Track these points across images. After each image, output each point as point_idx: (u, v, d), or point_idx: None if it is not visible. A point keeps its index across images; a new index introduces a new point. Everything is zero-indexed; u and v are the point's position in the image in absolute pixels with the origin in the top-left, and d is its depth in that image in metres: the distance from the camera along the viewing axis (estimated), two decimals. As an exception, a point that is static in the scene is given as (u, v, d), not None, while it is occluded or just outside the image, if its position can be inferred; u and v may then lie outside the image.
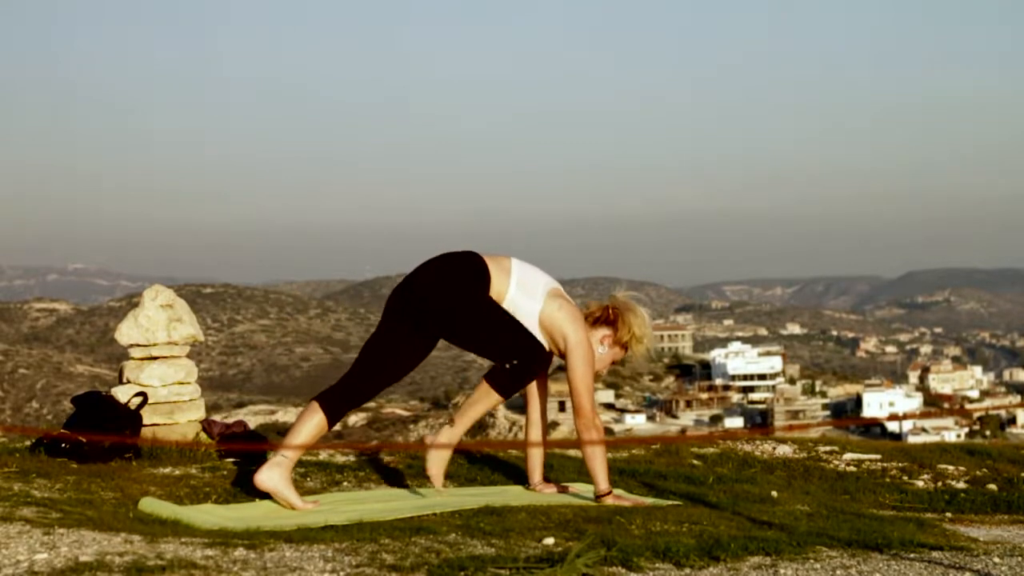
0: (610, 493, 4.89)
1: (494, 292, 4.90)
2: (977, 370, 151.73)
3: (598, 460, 4.88)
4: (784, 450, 6.77)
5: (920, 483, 6.21)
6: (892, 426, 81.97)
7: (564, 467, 5.83)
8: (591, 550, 3.56)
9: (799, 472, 6.31)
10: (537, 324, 4.91)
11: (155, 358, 6.56)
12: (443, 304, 4.84)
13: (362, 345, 5.02)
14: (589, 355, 4.90)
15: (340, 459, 5.79)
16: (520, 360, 4.81)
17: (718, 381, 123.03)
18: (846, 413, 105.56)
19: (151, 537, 3.68)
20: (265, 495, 4.89)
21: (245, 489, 5.14)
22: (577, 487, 5.23)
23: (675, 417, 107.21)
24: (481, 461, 5.93)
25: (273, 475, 4.74)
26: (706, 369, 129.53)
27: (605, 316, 5.09)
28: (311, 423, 4.85)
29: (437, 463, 4.98)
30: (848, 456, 6.70)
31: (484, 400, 4.87)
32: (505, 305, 4.89)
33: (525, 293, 4.92)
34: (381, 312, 4.99)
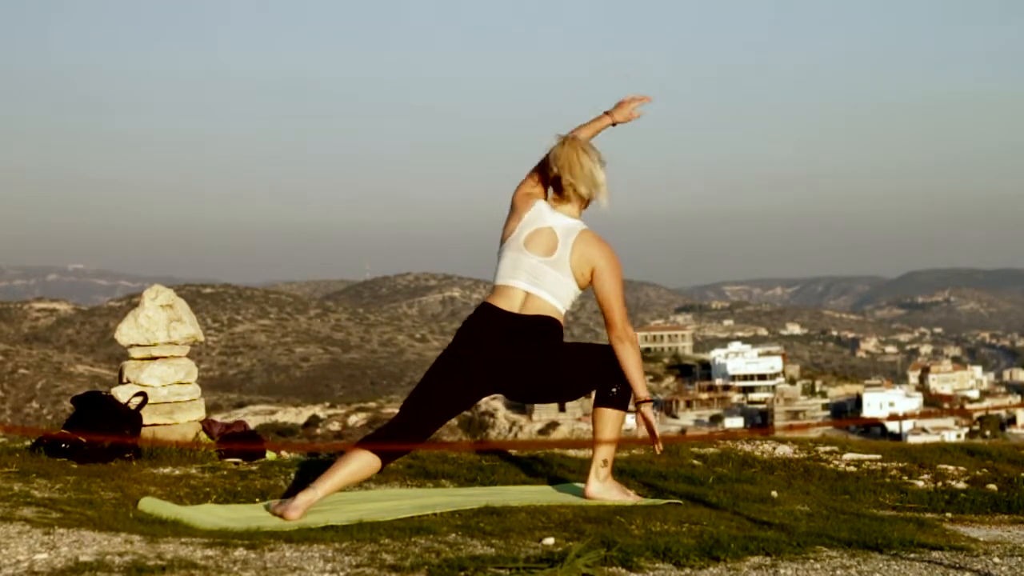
0: (650, 402, 4.95)
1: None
2: (977, 370, 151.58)
3: (633, 368, 4.93)
4: (784, 450, 6.76)
5: (920, 483, 6.21)
6: (892, 426, 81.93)
7: (564, 467, 5.83)
8: (591, 550, 3.56)
9: (799, 472, 6.30)
10: (574, 290, 4.96)
11: (155, 358, 6.56)
12: (547, 378, 4.92)
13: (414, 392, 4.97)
14: (618, 269, 4.96)
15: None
16: (617, 380, 4.95)
17: (718, 381, 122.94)
18: (846, 413, 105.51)
19: (151, 537, 3.69)
20: (265, 496, 4.90)
21: (245, 489, 5.14)
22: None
23: (675, 417, 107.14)
24: (481, 461, 5.93)
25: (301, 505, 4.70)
26: (706, 369, 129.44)
27: (567, 192, 5.00)
28: (356, 466, 4.80)
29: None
30: (848, 456, 6.70)
31: (611, 422, 4.98)
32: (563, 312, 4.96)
33: (555, 290, 4.93)
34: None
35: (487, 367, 4.85)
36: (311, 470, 5.43)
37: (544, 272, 4.90)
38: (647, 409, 4.93)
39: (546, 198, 5.02)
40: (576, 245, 4.92)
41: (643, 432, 5.01)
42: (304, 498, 4.64)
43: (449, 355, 4.92)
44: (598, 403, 5.04)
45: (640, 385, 4.93)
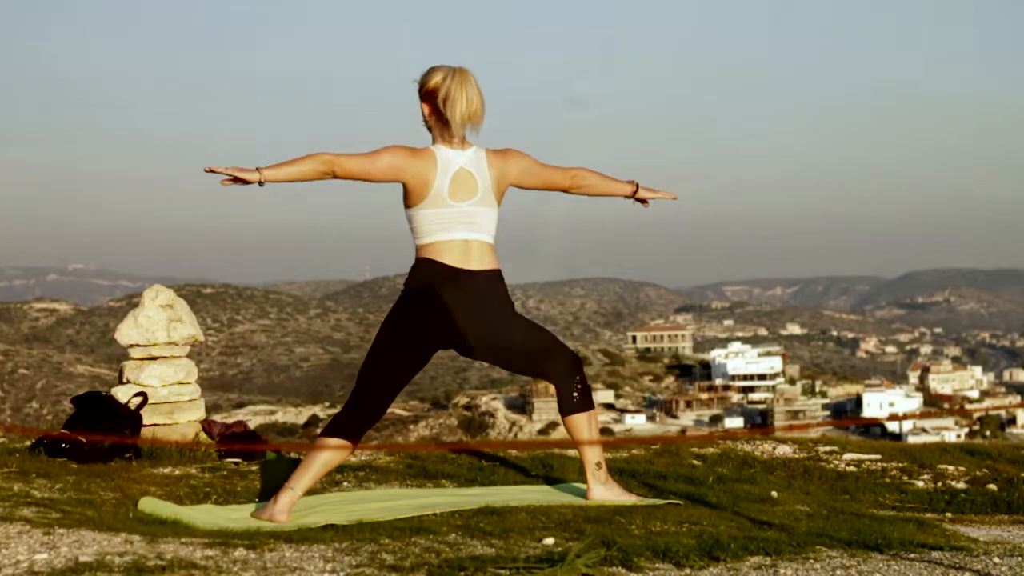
0: (636, 184, 5.18)
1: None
2: (977, 370, 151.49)
3: (600, 178, 5.13)
4: (784, 450, 6.76)
5: (920, 483, 6.20)
6: (892, 426, 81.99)
7: (564, 467, 5.83)
8: (591, 550, 3.56)
9: (799, 472, 6.30)
10: (498, 213, 4.92)
11: (155, 358, 6.56)
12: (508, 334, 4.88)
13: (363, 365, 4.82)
14: (526, 155, 4.99)
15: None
16: (577, 373, 4.93)
17: (718, 381, 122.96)
18: (846, 413, 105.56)
19: (151, 537, 3.69)
20: (265, 497, 4.89)
21: (245, 489, 5.14)
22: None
23: (675, 417, 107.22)
24: (481, 461, 5.93)
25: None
26: (706, 369, 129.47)
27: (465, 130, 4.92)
28: (327, 455, 4.73)
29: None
30: (848, 456, 6.69)
31: (586, 424, 4.95)
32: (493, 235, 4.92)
33: (490, 227, 4.87)
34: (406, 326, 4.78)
35: (443, 327, 4.75)
36: (274, 471, 5.34)
37: (476, 214, 4.81)
38: (643, 192, 5.18)
39: (436, 140, 4.84)
40: (489, 171, 4.85)
41: (652, 200, 5.22)
42: (286, 498, 4.62)
43: (400, 319, 4.77)
44: (566, 412, 4.94)
45: (618, 184, 5.17)
